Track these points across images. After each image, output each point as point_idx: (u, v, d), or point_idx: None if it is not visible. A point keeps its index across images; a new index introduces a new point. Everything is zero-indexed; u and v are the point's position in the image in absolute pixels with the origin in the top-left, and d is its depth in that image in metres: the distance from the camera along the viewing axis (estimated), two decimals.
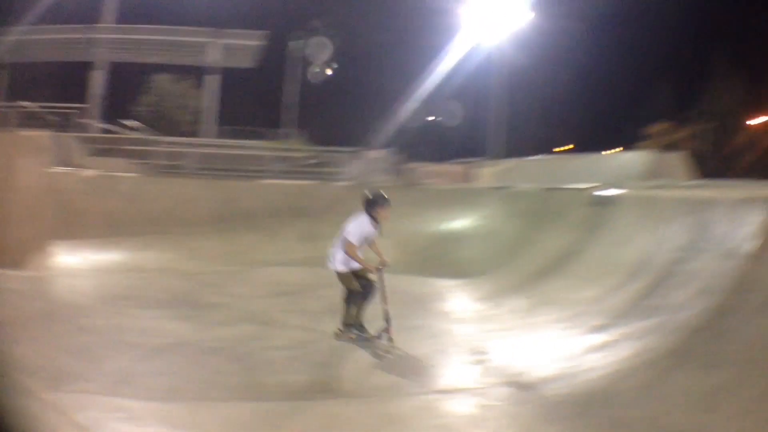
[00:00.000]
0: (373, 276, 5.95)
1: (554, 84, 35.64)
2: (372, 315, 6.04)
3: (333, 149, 20.83)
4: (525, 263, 8.49)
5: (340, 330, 6.13)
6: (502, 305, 7.45)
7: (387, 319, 5.80)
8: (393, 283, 6.11)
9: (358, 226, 5.97)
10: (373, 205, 6.01)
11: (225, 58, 28.26)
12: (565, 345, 5.50)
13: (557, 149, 39.68)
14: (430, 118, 37.18)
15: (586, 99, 41.05)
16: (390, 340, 5.76)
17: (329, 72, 32.28)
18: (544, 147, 28.76)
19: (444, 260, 10.86)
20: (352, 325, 6.10)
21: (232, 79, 29.01)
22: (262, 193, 14.58)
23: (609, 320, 5.72)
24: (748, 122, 42.03)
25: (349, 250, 5.87)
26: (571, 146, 40.85)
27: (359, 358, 5.54)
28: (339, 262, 6.00)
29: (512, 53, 23.08)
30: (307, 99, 30.94)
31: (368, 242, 6.11)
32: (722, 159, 39.28)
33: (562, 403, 4.27)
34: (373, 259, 6.07)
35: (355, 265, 5.98)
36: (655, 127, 41.00)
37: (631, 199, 7.99)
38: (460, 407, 4.39)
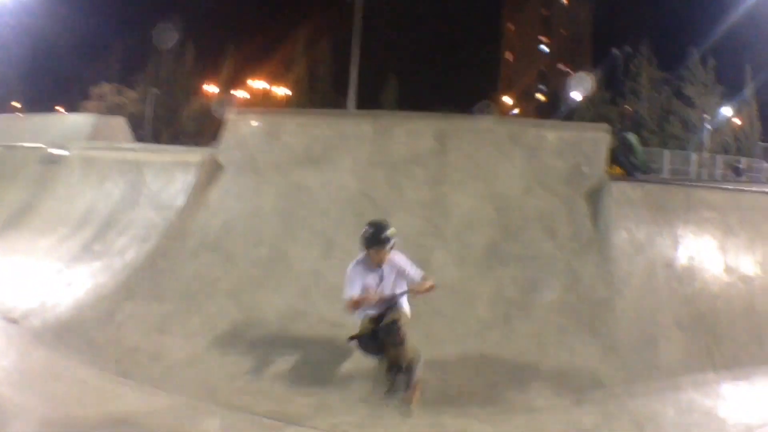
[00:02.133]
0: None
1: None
2: None
3: None
4: None
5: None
6: None
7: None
8: None
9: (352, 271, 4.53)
10: (367, 243, 4.52)
11: None
12: (38, 284, 6.56)
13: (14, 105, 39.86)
14: None
15: (32, 55, 40.54)
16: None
17: None
18: None
19: None
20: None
21: None
22: None
23: (66, 264, 6.82)
24: (203, 89, 46.06)
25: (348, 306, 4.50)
26: (17, 105, 41.07)
27: None
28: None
29: None
30: None
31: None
32: (173, 123, 42.95)
33: (45, 331, 5.57)
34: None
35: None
36: (99, 89, 43.20)
37: (76, 159, 8.79)
38: None
